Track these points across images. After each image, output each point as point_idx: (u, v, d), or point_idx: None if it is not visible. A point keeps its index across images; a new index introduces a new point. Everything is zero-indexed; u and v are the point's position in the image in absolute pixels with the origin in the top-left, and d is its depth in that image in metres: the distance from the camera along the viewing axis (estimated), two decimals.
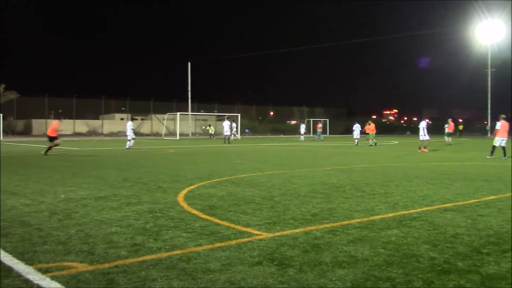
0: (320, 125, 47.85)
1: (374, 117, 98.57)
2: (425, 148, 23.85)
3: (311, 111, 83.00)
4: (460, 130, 55.27)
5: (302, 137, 46.38)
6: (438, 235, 5.54)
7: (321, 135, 46.57)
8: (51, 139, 20.87)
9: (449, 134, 33.47)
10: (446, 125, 34.80)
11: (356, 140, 34.14)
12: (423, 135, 23.99)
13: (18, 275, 4.09)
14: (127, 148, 25.76)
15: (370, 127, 32.05)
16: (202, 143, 38.12)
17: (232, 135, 48.42)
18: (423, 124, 24.42)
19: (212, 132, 52.82)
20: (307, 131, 48.98)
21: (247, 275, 4.09)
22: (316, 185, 10.17)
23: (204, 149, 27.16)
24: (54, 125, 21.16)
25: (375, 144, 31.47)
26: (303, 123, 51.77)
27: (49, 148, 20.56)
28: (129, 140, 26.08)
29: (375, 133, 32.52)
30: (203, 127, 57.82)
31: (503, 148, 18.34)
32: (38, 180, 11.04)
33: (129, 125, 26.27)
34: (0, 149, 24.34)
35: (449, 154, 21.97)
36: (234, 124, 49.56)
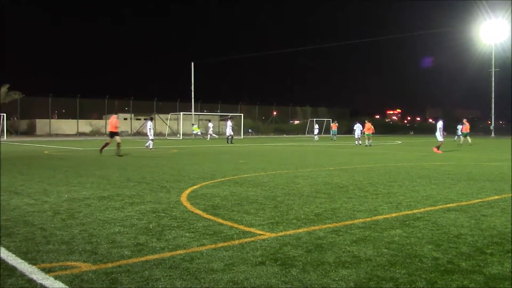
0: (335, 125, 46.36)
1: (377, 117, 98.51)
2: (436, 147, 23.09)
3: (315, 111, 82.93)
4: None
5: (316, 137, 45.61)
6: (441, 235, 5.53)
7: (335, 136, 45.22)
8: (113, 134, 19.91)
9: (466, 134, 32.66)
10: (460, 126, 34.30)
11: (357, 141, 34.08)
12: (440, 135, 22.96)
13: (21, 275, 4.11)
14: (150, 149, 25.03)
15: (367, 126, 31.32)
16: (205, 143, 38.13)
17: (209, 134, 47.43)
18: (440, 124, 23.26)
19: (197, 132, 50.47)
20: (310, 131, 48.33)
21: (250, 275, 4.09)
22: (319, 185, 10.16)
23: (207, 149, 27.17)
24: (113, 120, 20.24)
25: (366, 145, 30.64)
26: (317, 123, 50.95)
27: (106, 145, 19.85)
28: (151, 140, 25.42)
29: (371, 133, 31.74)
30: (192, 125, 55.30)
31: None
32: (41, 180, 11.07)
33: (149, 125, 25.49)
34: (1, 149, 24.39)
35: (458, 155, 21.91)
36: (210, 124, 48.05)
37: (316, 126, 48.13)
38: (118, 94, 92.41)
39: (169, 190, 9.36)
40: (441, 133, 22.91)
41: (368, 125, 31.38)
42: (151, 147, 25.25)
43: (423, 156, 20.87)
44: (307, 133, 71.86)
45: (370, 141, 31.39)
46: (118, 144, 19.71)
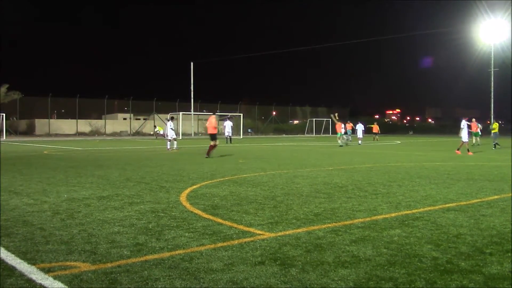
0: (350, 125, 42.28)
1: (377, 116, 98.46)
2: (458, 150, 22.22)
3: (314, 111, 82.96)
4: None
5: (346, 137, 43.48)
6: (440, 235, 5.53)
7: (350, 136, 41.59)
8: (213, 137, 18.97)
9: (477, 134, 31.44)
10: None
11: (359, 140, 34.10)
12: (465, 135, 21.99)
13: (21, 275, 4.10)
14: (168, 149, 24.44)
15: (338, 125, 30.16)
16: (205, 142, 38.11)
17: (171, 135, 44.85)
18: (464, 124, 22.31)
19: (161, 132, 48.24)
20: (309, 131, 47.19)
21: (250, 275, 4.09)
22: (318, 185, 10.16)
23: (207, 149, 27.11)
24: (213, 121, 19.18)
25: (341, 145, 30.00)
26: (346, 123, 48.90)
27: (211, 148, 18.78)
28: (169, 140, 24.81)
29: (343, 133, 30.80)
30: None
31: None
32: (40, 180, 11.07)
33: (169, 125, 24.94)
34: (0, 149, 24.38)
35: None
36: (170, 123, 45.81)
37: (342, 126, 47.36)
38: (117, 94, 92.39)
39: (169, 190, 9.36)
40: (467, 133, 22.11)
41: (338, 124, 30.25)
42: (175, 147, 24.55)
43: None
44: (307, 133, 71.90)
45: (339, 141, 30.40)
46: (213, 146, 18.92)
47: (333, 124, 29.95)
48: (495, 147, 26.62)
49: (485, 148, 26.70)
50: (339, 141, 30.50)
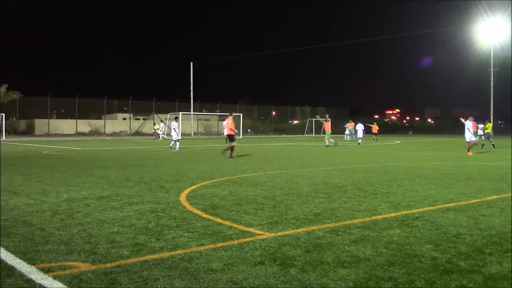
0: (352, 124, 41.69)
1: (377, 116, 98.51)
2: (469, 150, 21.97)
3: (314, 110, 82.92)
4: None
5: (348, 137, 41.63)
6: (440, 235, 5.53)
7: (352, 136, 41.11)
8: (231, 138, 19.10)
9: (476, 134, 31.24)
10: (480, 125, 33.43)
11: (358, 140, 34.11)
12: (471, 135, 21.91)
13: (20, 275, 4.10)
14: (169, 148, 24.26)
15: (326, 124, 29.39)
16: (204, 142, 38.11)
17: (160, 135, 44.66)
18: (469, 124, 22.18)
19: (157, 131, 48.34)
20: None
21: (249, 275, 4.09)
22: (318, 185, 10.16)
23: (206, 149, 27.15)
24: (230, 122, 19.05)
25: (335, 144, 29.60)
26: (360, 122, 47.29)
27: (232, 149, 18.65)
28: (173, 141, 24.69)
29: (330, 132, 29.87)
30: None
31: None
32: (40, 180, 11.06)
33: (173, 125, 24.83)
34: (0, 149, 24.38)
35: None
36: (162, 124, 45.63)
37: (346, 125, 47.19)
38: (117, 94, 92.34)
39: (168, 190, 9.36)
40: (471, 133, 21.96)
41: (327, 123, 29.48)
42: (177, 148, 24.23)
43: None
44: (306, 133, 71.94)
45: (331, 140, 29.81)
46: (232, 148, 18.86)
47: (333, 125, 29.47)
48: (493, 146, 26.62)
49: (485, 148, 26.69)
50: (332, 140, 29.84)
